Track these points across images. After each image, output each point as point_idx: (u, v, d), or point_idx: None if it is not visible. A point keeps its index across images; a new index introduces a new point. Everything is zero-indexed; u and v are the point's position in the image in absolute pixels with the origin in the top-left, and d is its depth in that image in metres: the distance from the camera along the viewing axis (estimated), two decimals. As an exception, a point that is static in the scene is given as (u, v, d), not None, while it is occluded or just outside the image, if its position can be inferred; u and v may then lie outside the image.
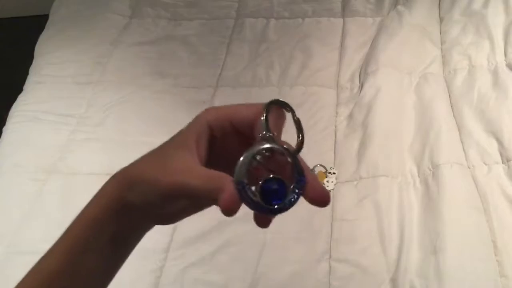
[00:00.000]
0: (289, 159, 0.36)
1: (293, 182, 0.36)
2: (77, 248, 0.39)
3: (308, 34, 1.55)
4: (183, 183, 0.36)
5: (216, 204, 0.35)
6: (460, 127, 1.22)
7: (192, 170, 0.37)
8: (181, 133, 0.40)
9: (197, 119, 0.40)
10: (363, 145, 1.22)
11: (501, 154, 1.15)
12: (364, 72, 1.39)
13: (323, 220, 1.10)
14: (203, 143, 0.39)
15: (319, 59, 1.46)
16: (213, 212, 1.27)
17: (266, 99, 0.38)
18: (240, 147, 0.37)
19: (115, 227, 0.39)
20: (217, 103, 1.36)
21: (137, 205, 0.38)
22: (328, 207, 1.12)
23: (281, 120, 0.39)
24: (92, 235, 0.39)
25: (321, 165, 1.20)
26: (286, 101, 0.38)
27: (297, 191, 0.36)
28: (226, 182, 0.35)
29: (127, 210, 0.39)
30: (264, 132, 0.37)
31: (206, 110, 0.41)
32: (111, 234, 0.39)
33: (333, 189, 1.15)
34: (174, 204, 0.39)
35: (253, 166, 0.36)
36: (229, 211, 0.34)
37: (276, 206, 0.35)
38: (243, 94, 1.38)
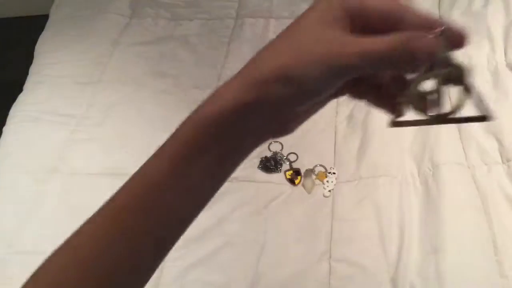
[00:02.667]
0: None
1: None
2: (186, 153, 0.34)
3: (308, 34, 1.54)
4: (367, 49, 0.31)
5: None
6: (460, 127, 1.22)
7: (365, 38, 0.32)
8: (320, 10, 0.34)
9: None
10: (363, 145, 1.22)
11: (501, 154, 1.15)
12: (364, 72, 1.38)
13: (323, 220, 1.10)
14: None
15: (319, 59, 1.46)
16: (213, 211, 1.26)
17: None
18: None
19: (228, 136, 0.34)
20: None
21: (272, 100, 0.34)
22: (328, 207, 1.12)
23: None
24: (202, 139, 0.34)
25: (321, 165, 1.20)
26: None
27: None
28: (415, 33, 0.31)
29: (247, 113, 0.34)
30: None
31: None
32: (220, 146, 0.35)
33: (333, 189, 1.15)
34: (330, 88, 0.34)
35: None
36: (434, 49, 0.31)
37: None
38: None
